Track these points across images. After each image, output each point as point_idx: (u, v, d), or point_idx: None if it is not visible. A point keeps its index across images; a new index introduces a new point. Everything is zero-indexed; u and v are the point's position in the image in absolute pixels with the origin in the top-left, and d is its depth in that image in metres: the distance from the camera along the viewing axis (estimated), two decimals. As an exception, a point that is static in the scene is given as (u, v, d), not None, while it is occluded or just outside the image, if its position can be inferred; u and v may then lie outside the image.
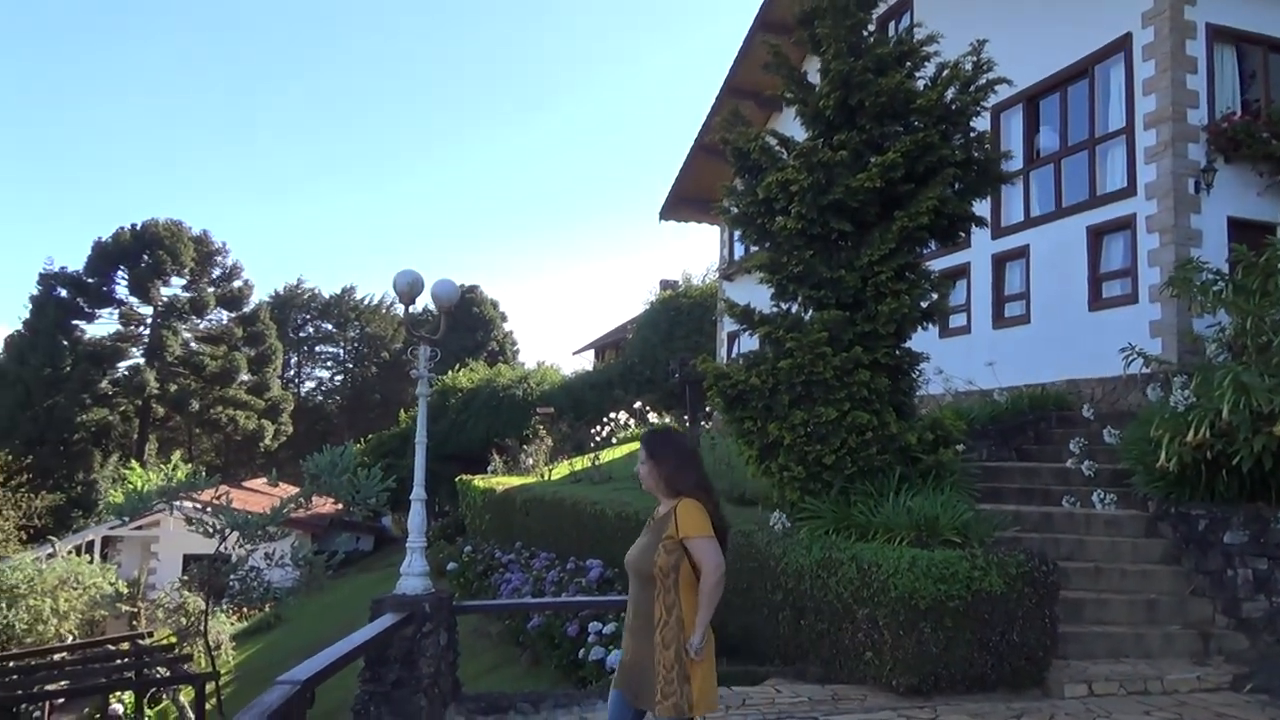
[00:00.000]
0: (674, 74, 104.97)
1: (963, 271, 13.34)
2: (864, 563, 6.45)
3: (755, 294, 8.35)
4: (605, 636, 8.93)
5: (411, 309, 6.45)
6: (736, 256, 20.54)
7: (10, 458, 30.15)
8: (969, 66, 7.42)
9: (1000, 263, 12.85)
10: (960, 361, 12.15)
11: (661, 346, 26.31)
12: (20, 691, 14.65)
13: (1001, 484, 9.09)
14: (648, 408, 22.62)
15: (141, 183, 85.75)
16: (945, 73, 7.47)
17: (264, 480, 24.75)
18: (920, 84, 7.62)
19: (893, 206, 7.36)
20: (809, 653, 7.19)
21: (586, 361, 40.34)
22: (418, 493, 6.24)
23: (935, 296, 7.79)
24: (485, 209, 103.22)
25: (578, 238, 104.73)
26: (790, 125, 8.60)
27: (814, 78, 8.07)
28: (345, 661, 4.42)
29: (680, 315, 27.26)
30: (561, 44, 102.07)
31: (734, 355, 20.28)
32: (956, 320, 13.48)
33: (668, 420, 20.59)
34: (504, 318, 50.79)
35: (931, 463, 7.36)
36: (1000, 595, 6.16)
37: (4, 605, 16.32)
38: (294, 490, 19.28)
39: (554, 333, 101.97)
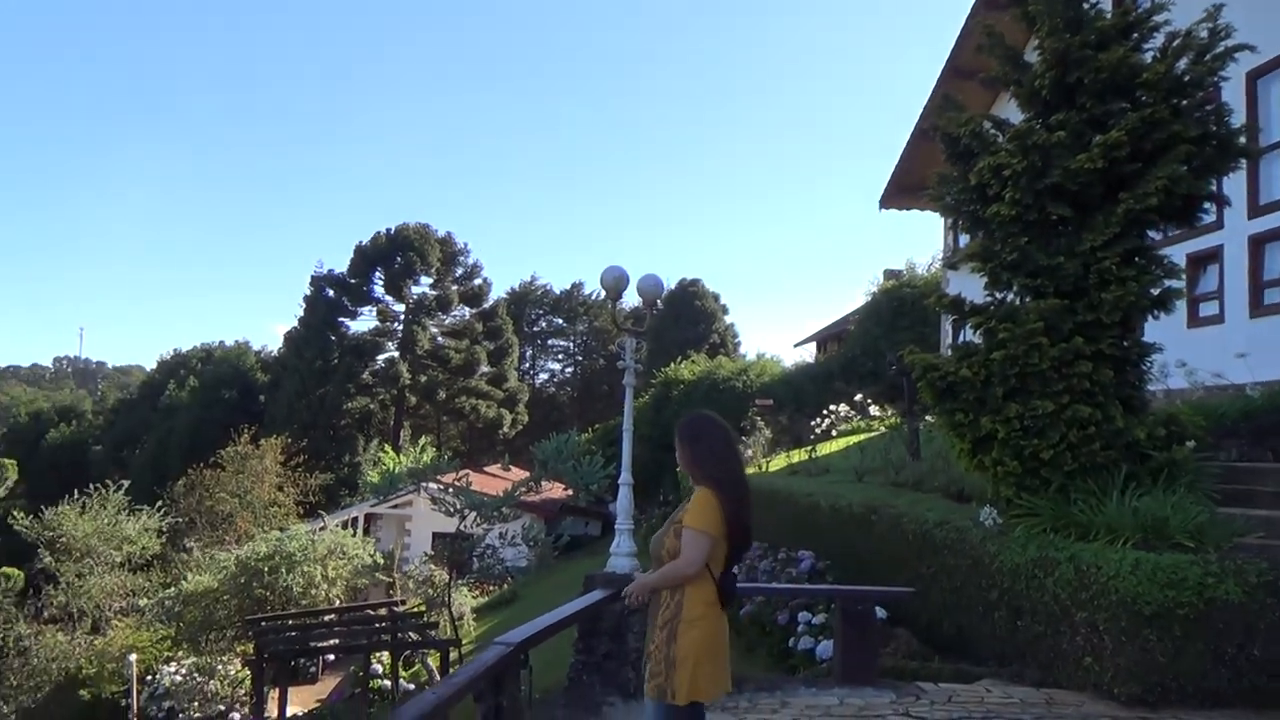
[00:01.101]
0: (896, 57, 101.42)
1: (1213, 255, 12.17)
2: (1083, 564, 6.17)
3: (979, 283, 8.07)
4: (815, 627, 8.99)
5: (632, 304, 6.82)
6: (962, 244, 19.73)
7: (289, 441, 33.92)
8: (1204, 34, 6.83)
9: (1258, 244, 11.58)
10: (1211, 354, 11.10)
11: (884, 338, 25.65)
12: (298, 647, 16.60)
13: (1253, 486, 8.28)
14: (869, 400, 22.17)
15: (397, 190, 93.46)
16: (1176, 43, 6.93)
17: (499, 465, 26.45)
18: (1148, 56, 7.10)
19: (1117, 188, 6.91)
20: (1025, 655, 6.95)
21: (808, 354, 40.01)
22: (625, 477, 6.60)
23: (1171, 284, 7.26)
24: (710, 202, 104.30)
25: (802, 229, 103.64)
26: (1015, 106, 8.24)
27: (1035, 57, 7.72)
28: (554, 629, 4.82)
29: (904, 305, 26.47)
30: (786, 33, 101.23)
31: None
32: (1207, 309, 12.34)
33: (889, 413, 20.12)
34: (725, 310, 51.18)
35: (1163, 460, 6.87)
36: (1238, 605, 5.71)
37: (284, 570, 18.39)
38: (526, 475, 20.47)
39: (776, 325, 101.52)
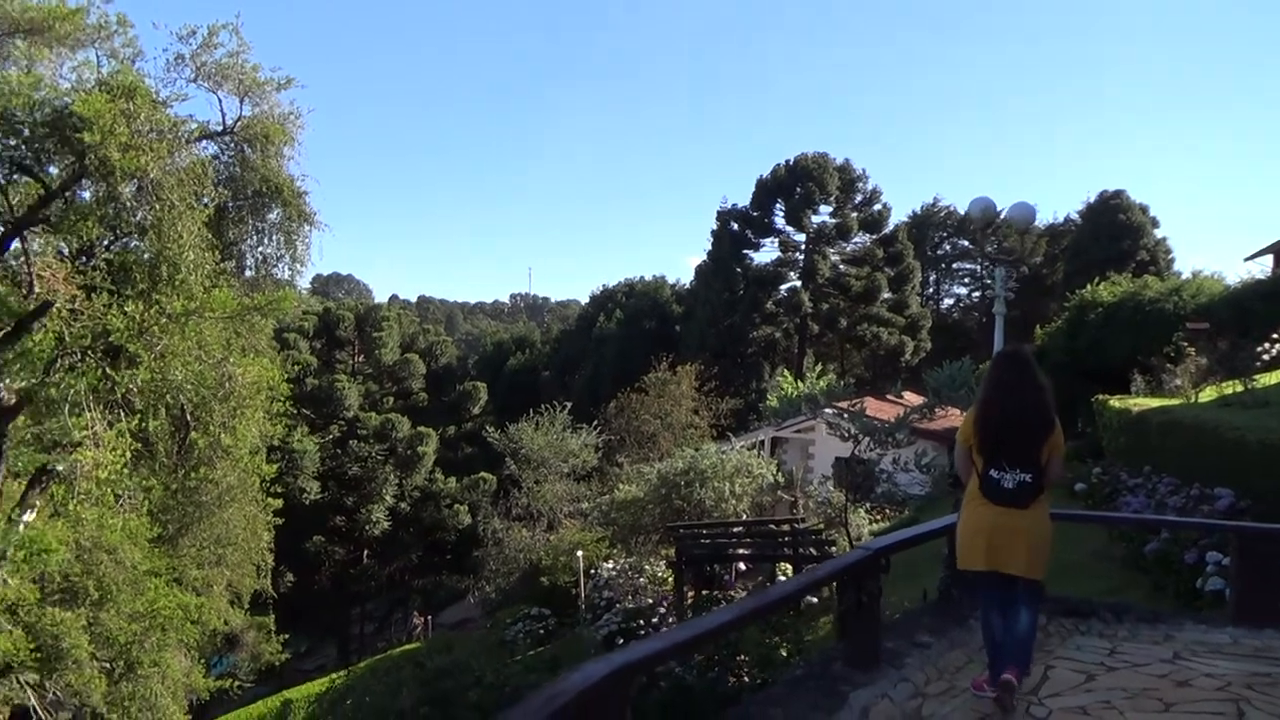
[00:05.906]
0: None
1: None
2: None
3: None
4: (1225, 567, 8.43)
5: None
6: None
7: (702, 367, 36.75)
8: None
9: None
10: None
11: (1363, 245, 21.59)
12: (711, 553, 18.44)
13: None
14: (1335, 321, 18.96)
15: (797, 122, 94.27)
16: None
17: (894, 393, 26.59)
18: None
19: None
20: None
21: (1263, 268, 34.60)
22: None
23: None
24: (1138, 101, 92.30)
25: (1255, 122, 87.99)
26: None
27: None
28: (912, 542, 5.33)
29: (1392, 206, 22.01)
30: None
31: None
32: None
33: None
34: (1155, 224, 45.44)
35: None
36: None
37: (698, 485, 20.38)
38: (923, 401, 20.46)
39: (1222, 238, 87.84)
